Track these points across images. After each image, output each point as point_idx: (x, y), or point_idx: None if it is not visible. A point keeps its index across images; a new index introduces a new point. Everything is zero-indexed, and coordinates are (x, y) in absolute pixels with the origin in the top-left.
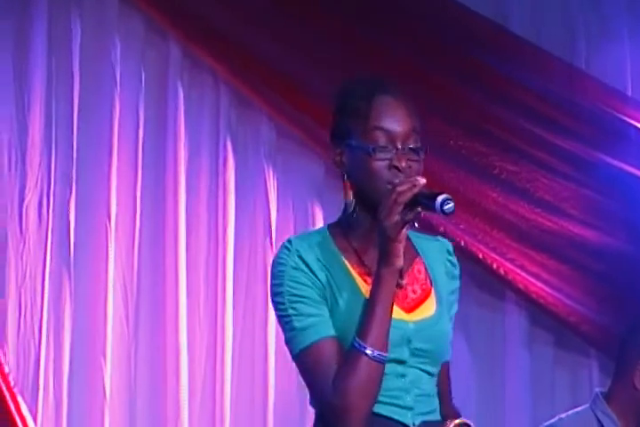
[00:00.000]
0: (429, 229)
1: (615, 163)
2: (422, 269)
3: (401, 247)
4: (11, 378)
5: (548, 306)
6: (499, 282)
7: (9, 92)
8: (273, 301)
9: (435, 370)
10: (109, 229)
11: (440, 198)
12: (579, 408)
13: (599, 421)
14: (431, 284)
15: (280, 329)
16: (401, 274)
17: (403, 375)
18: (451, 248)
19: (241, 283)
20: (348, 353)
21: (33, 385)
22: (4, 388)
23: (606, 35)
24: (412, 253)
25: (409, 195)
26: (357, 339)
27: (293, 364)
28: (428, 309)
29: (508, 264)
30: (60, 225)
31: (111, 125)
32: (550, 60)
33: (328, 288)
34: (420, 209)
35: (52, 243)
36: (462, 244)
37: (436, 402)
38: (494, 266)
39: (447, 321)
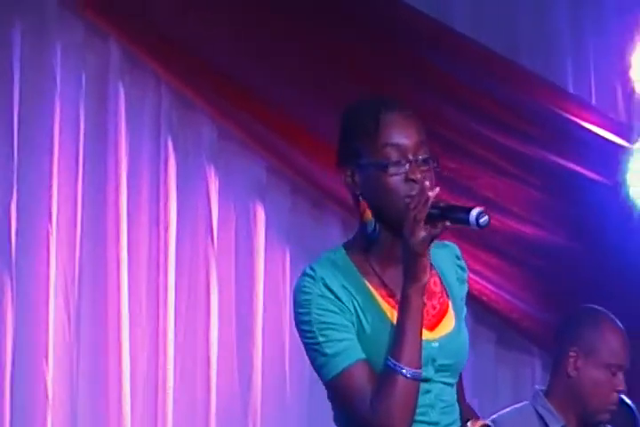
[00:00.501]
0: None
1: (556, 160)
2: (437, 282)
3: (427, 262)
4: None
5: (490, 303)
6: None
7: None
8: (299, 329)
9: (454, 381)
10: (50, 232)
11: (475, 212)
12: (518, 404)
13: (540, 416)
14: (447, 296)
15: (222, 328)
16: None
17: (428, 391)
18: (459, 253)
19: (182, 284)
20: (384, 374)
21: None
22: None
23: (548, 32)
24: (429, 265)
25: (424, 210)
26: (391, 359)
27: (235, 364)
28: (449, 324)
29: None
30: (1, 229)
31: (52, 128)
32: (492, 57)
33: (354, 313)
34: (448, 223)
35: None
36: None
37: (457, 410)
38: None
39: (466, 333)
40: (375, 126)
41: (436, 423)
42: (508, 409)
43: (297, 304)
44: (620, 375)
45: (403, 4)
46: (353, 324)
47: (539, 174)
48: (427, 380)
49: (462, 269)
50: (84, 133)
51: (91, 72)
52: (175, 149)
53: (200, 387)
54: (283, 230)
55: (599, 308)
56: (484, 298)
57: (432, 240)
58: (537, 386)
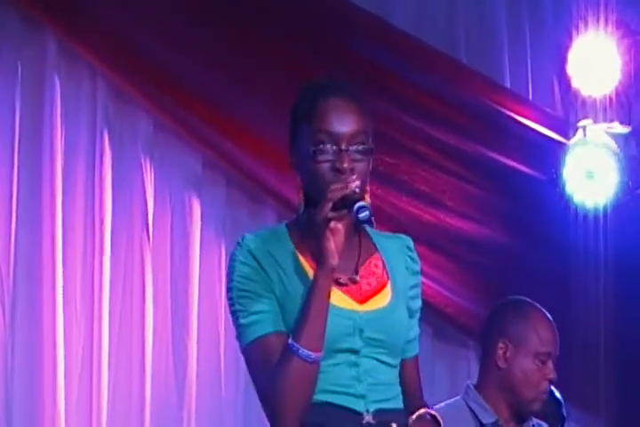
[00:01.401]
0: None
1: (492, 155)
2: (380, 264)
3: (331, 244)
4: None
5: (426, 298)
6: None
7: None
8: (226, 296)
9: (393, 361)
10: None
11: (356, 206)
12: (450, 400)
13: (472, 411)
14: (388, 278)
15: (157, 322)
16: (356, 269)
17: (356, 364)
18: (411, 244)
19: (118, 277)
20: (283, 353)
21: None
22: None
23: (485, 27)
24: (371, 249)
25: (338, 194)
26: (291, 338)
27: (170, 358)
28: (382, 300)
29: None
30: None
31: None
32: (431, 52)
33: (278, 281)
34: (344, 211)
35: None
36: None
37: (395, 390)
38: None
39: (403, 313)
40: (313, 111)
41: (362, 396)
42: (440, 405)
43: (226, 272)
44: (550, 364)
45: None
46: (274, 293)
47: (476, 169)
48: (354, 351)
49: (413, 260)
50: (20, 125)
51: (27, 64)
52: (111, 141)
53: (135, 382)
54: (218, 223)
55: (524, 298)
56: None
57: (328, 222)
58: (468, 381)
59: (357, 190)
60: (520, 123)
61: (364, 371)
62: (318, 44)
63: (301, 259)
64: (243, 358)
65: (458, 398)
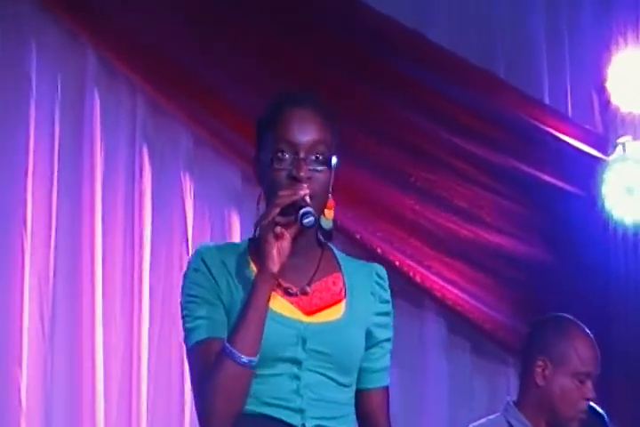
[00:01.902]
0: (346, 236)
1: (530, 170)
2: (339, 283)
3: (273, 251)
4: None
5: (464, 313)
6: (416, 290)
7: None
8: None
9: (342, 379)
10: (25, 237)
11: (301, 211)
12: (491, 416)
13: None
14: (344, 296)
15: None
16: (309, 282)
17: (297, 377)
18: (383, 273)
19: (157, 291)
20: (218, 357)
21: None
22: None
23: (524, 43)
24: (333, 267)
25: (287, 200)
26: (226, 342)
27: None
28: (333, 314)
29: (424, 272)
30: None
31: (27, 134)
32: (468, 68)
33: (227, 291)
34: (291, 217)
35: None
36: (379, 251)
37: (343, 410)
38: (411, 274)
39: (357, 332)
40: (276, 119)
41: (300, 411)
42: (481, 421)
43: (182, 278)
44: (589, 383)
45: (376, 13)
46: (221, 300)
47: (514, 185)
48: (297, 362)
49: (382, 287)
50: (60, 140)
51: (67, 79)
52: (150, 156)
53: (175, 391)
54: None
55: (566, 315)
56: (459, 308)
57: (273, 227)
58: (508, 397)
59: (307, 198)
60: (559, 139)
61: (306, 385)
62: (354, 59)
63: (254, 271)
64: None
65: (498, 414)
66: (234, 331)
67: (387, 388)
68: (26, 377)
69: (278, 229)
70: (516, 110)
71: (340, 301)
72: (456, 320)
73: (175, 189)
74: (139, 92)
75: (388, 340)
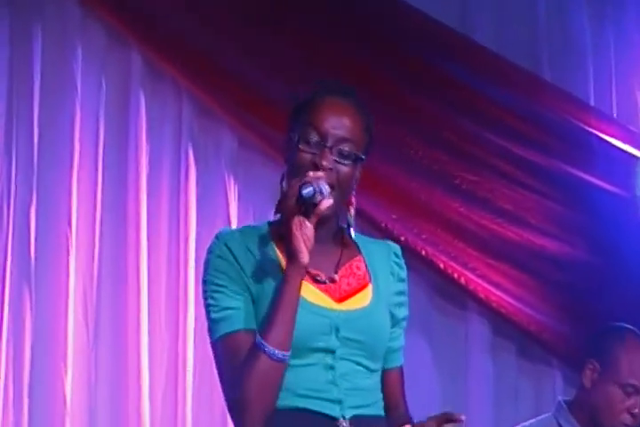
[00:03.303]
0: (391, 238)
1: (576, 172)
2: (362, 267)
3: (300, 241)
4: None
5: (509, 315)
6: (460, 292)
7: None
8: (201, 288)
9: (373, 365)
10: (70, 238)
11: (300, 183)
12: (541, 416)
13: None
14: (370, 280)
15: None
16: (336, 268)
17: (332, 367)
18: (398, 251)
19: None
20: (251, 350)
21: None
22: None
23: (569, 45)
24: (354, 251)
25: (297, 188)
26: (259, 336)
27: None
28: (362, 300)
29: (469, 274)
30: (20, 234)
31: (72, 135)
32: (513, 70)
33: (254, 277)
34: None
35: (12, 251)
36: (424, 253)
37: (375, 396)
38: (455, 276)
39: (385, 316)
40: (310, 104)
41: (339, 401)
42: (531, 421)
43: (203, 264)
44: (636, 397)
45: (421, 15)
46: (249, 288)
47: (558, 187)
48: (330, 351)
49: (400, 266)
50: (105, 141)
51: (112, 81)
52: (195, 157)
53: (219, 392)
54: None
55: (629, 327)
56: (503, 310)
57: (293, 216)
58: (560, 397)
59: (319, 182)
60: (604, 140)
61: (341, 375)
62: (399, 60)
63: (280, 257)
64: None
65: (549, 414)
66: (266, 325)
67: (401, 368)
68: (70, 378)
69: (300, 219)
70: (561, 112)
71: (366, 285)
72: (501, 322)
73: (220, 190)
74: (184, 94)
75: (404, 319)
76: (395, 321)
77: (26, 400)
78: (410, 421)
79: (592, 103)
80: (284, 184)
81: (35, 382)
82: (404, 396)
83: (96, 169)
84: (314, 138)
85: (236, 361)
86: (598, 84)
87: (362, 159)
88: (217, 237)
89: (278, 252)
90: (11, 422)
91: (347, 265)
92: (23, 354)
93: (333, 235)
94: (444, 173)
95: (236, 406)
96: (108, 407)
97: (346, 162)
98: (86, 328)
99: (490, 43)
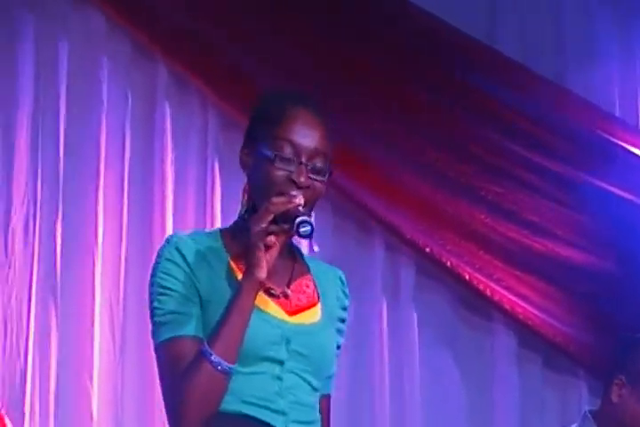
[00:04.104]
0: (417, 250)
1: (601, 183)
2: (311, 285)
3: (262, 257)
4: None
5: (535, 327)
6: (486, 303)
7: None
8: (148, 290)
9: (317, 383)
10: (96, 252)
11: (298, 220)
12: (569, 426)
13: None
14: (318, 298)
15: None
16: (288, 284)
17: (279, 378)
18: (343, 278)
19: None
20: (195, 357)
21: (19, 407)
22: None
23: (594, 55)
24: (304, 269)
25: (281, 208)
26: (206, 344)
27: None
28: (312, 316)
29: (494, 285)
30: (46, 247)
31: (98, 148)
32: (538, 80)
33: (206, 282)
34: (285, 226)
35: (38, 265)
36: (449, 265)
37: (315, 415)
38: (481, 287)
39: (332, 336)
40: (280, 116)
41: (284, 413)
42: None
43: (152, 267)
44: None
45: (446, 26)
46: (199, 294)
47: (584, 199)
48: (279, 362)
49: (345, 294)
50: (130, 154)
51: (138, 93)
52: (221, 169)
53: None
54: (326, 253)
55: None
56: (529, 322)
57: (266, 235)
58: (586, 407)
59: (301, 208)
60: (630, 152)
61: (287, 387)
62: (426, 72)
63: (231, 262)
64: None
65: (575, 425)
66: (216, 336)
67: (330, 396)
68: (96, 389)
69: (273, 239)
70: (587, 123)
71: (315, 303)
72: (526, 334)
73: None
74: (210, 106)
75: (339, 347)
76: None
77: (52, 414)
78: None
79: (617, 114)
80: (246, 199)
81: (61, 395)
82: (328, 425)
83: (122, 181)
84: (288, 153)
85: (179, 367)
86: (623, 94)
87: (331, 173)
88: (167, 240)
89: (231, 261)
90: None
91: (297, 282)
92: (49, 368)
93: (286, 249)
94: (470, 184)
95: (174, 413)
96: (134, 421)
97: (319, 178)
98: (112, 342)
99: (514, 53)
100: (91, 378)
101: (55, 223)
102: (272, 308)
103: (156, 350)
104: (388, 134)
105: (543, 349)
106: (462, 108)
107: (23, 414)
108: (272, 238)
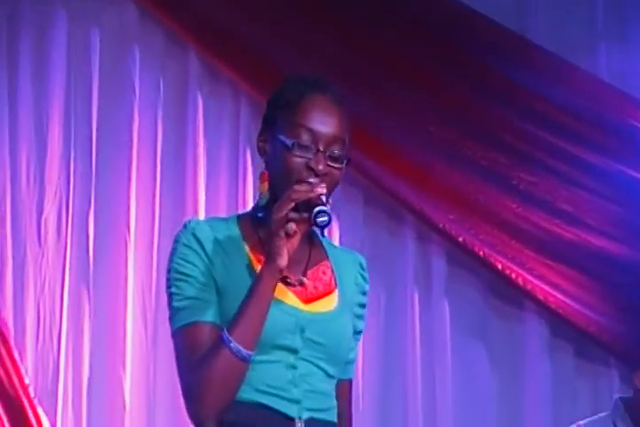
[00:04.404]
0: (449, 239)
1: (635, 174)
2: (328, 272)
3: (283, 245)
4: (31, 390)
5: (567, 316)
6: (518, 292)
7: (28, 105)
8: (166, 276)
9: (332, 370)
10: (128, 242)
11: (316, 209)
12: (598, 415)
13: None
14: (335, 285)
15: None
16: (304, 271)
17: (293, 367)
18: (364, 263)
19: None
20: (215, 343)
21: (52, 396)
22: (25, 400)
23: (628, 45)
24: (321, 255)
25: (303, 196)
26: (226, 331)
27: None
28: (328, 304)
29: (526, 275)
30: (78, 238)
31: (130, 138)
32: (572, 70)
33: (222, 269)
34: (305, 215)
35: (70, 255)
36: (481, 254)
37: (331, 402)
38: (513, 276)
39: (349, 323)
40: (298, 103)
41: (297, 402)
42: (587, 419)
43: (170, 253)
44: None
45: (481, 17)
46: (215, 280)
47: (617, 188)
48: (293, 351)
49: (364, 279)
50: (162, 144)
51: (169, 82)
52: (253, 158)
53: None
54: (357, 242)
55: None
56: (561, 311)
57: (287, 222)
58: (616, 395)
59: (323, 197)
60: None
61: (301, 375)
62: (459, 62)
63: (248, 250)
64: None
65: (606, 413)
66: (236, 322)
67: (351, 381)
68: (129, 379)
69: (294, 226)
70: (620, 112)
71: (332, 291)
72: (558, 323)
73: None
74: (242, 95)
75: (360, 332)
76: (353, 333)
77: (85, 403)
78: None
79: None
80: (265, 185)
81: (94, 385)
82: (350, 410)
83: (154, 173)
84: (306, 140)
85: (197, 353)
86: None
87: (349, 161)
88: (185, 226)
89: (248, 248)
90: (70, 424)
91: (314, 269)
92: (82, 357)
93: (305, 236)
94: (502, 173)
95: (192, 399)
96: (166, 410)
97: (337, 165)
98: (145, 331)
99: (547, 43)
100: (123, 367)
101: (88, 213)
102: (287, 296)
103: (174, 335)
104: (419, 123)
105: (575, 338)
106: (494, 98)
107: (56, 403)
108: (293, 226)
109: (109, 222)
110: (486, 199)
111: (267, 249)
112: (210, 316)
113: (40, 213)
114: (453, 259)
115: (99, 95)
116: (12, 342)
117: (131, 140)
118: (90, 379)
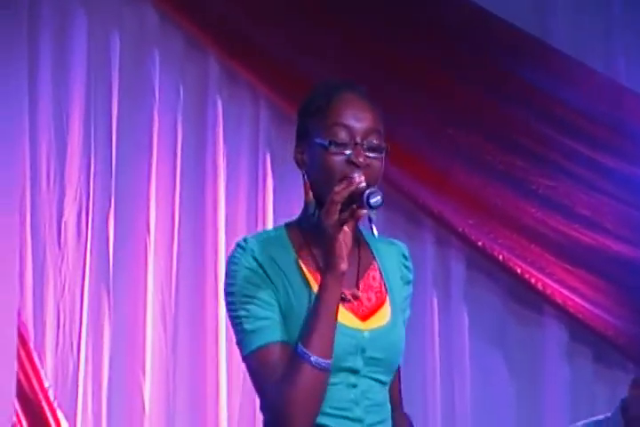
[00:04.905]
0: (468, 243)
1: None
2: (377, 276)
3: (343, 248)
4: (50, 393)
5: (586, 320)
6: (537, 296)
7: (48, 107)
8: (225, 300)
9: (387, 379)
10: (148, 244)
11: (367, 192)
12: (597, 417)
13: None
14: (386, 291)
15: None
16: (357, 284)
17: (354, 386)
18: (407, 252)
19: None
20: (292, 360)
21: (72, 399)
22: (44, 402)
23: None
24: (369, 258)
25: (345, 194)
26: (301, 345)
27: None
28: (383, 317)
29: (546, 279)
30: (98, 239)
31: (150, 141)
32: (590, 74)
33: (282, 290)
34: (354, 206)
35: (90, 257)
36: (501, 258)
37: (387, 410)
38: (532, 281)
39: (402, 330)
40: (327, 104)
41: (360, 421)
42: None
43: (225, 275)
44: None
45: (499, 21)
46: (278, 301)
47: (635, 193)
48: (355, 371)
49: (408, 269)
50: (182, 147)
51: (189, 86)
52: (273, 162)
53: None
54: None
55: None
56: (580, 315)
57: (342, 224)
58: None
59: (363, 184)
60: None
61: (362, 392)
62: (477, 66)
63: (303, 267)
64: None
65: (605, 416)
66: (308, 334)
67: (400, 367)
68: (149, 382)
69: (347, 229)
70: (639, 116)
71: (384, 300)
72: (577, 327)
73: (298, 197)
74: (261, 99)
75: (407, 319)
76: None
77: (104, 406)
78: (409, 422)
79: None
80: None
81: (113, 387)
82: (400, 392)
83: (174, 176)
84: (342, 137)
85: (277, 373)
86: None
87: (388, 150)
88: (241, 247)
89: (302, 263)
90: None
91: (365, 277)
92: (102, 360)
93: (353, 240)
94: (521, 178)
95: (280, 417)
96: (186, 413)
97: (377, 155)
98: (164, 333)
99: (566, 47)
100: (143, 370)
101: (107, 216)
102: (345, 316)
103: (248, 358)
104: (437, 128)
105: (594, 343)
106: (514, 103)
107: (76, 406)
108: (346, 229)
109: (129, 225)
110: (505, 203)
111: (324, 257)
112: (281, 335)
113: (60, 216)
114: (472, 263)
115: (119, 98)
116: (31, 346)
117: (151, 143)
118: (109, 381)
